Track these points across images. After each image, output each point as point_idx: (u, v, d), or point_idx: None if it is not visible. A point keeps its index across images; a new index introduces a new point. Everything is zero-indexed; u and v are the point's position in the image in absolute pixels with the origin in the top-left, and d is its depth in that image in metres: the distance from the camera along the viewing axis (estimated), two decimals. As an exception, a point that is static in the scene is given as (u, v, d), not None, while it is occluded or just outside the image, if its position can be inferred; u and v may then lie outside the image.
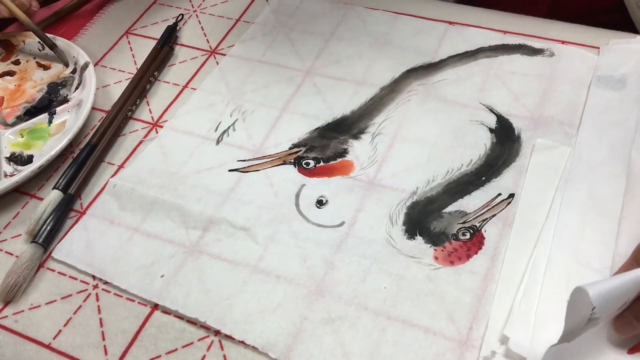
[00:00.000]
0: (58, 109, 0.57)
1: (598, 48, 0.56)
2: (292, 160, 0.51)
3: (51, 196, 0.50)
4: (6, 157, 0.54)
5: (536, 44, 0.57)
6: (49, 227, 0.48)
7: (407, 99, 0.55)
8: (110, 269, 0.46)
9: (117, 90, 0.60)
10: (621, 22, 0.58)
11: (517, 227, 0.45)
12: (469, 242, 0.44)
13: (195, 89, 0.59)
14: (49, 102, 0.59)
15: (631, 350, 0.38)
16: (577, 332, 0.35)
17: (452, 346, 0.40)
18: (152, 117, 0.57)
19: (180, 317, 0.43)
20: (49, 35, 0.63)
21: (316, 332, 0.41)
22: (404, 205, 0.47)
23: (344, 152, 0.51)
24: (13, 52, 0.64)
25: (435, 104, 0.54)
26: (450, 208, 0.47)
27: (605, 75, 0.53)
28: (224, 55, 0.62)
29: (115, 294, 0.45)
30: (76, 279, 0.46)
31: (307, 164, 0.51)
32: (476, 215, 0.46)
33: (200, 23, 0.66)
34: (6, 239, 0.49)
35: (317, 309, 0.42)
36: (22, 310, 0.45)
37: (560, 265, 0.42)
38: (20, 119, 0.58)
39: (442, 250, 0.44)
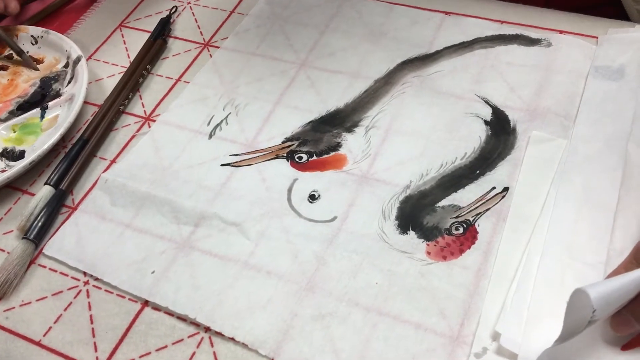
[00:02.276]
0: (50, 104, 0.57)
1: (596, 38, 0.55)
2: (285, 155, 0.51)
3: (43, 192, 0.50)
4: (-2, 153, 0.54)
5: (533, 34, 0.56)
6: (40, 223, 0.48)
7: (402, 91, 0.54)
8: (101, 265, 0.46)
9: (110, 84, 0.59)
10: (616, 16, 0.57)
11: (511, 221, 0.44)
12: (462, 236, 0.44)
13: (188, 83, 0.58)
14: (42, 96, 0.59)
15: (625, 347, 0.38)
16: (575, 333, 0.34)
17: (443, 342, 0.39)
18: (144, 111, 0.57)
19: (171, 313, 0.43)
20: (41, 28, 0.63)
21: (306, 329, 0.41)
22: (397, 199, 0.47)
23: (337, 146, 0.51)
24: (6, 46, 0.64)
25: (430, 96, 0.53)
26: (444, 202, 0.46)
27: (603, 66, 0.52)
28: (218, 47, 0.61)
29: (106, 290, 0.45)
30: (67, 275, 0.46)
31: (300, 158, 0.50)
32: (470, 209, 0.45)
33: (194, 15, 0.66)
34: (-2, 235, 0.49)
35: (307, 305, 0.42)
36: (13, 307, 0.45)
37: (553, 259, 0.41)
38: (12, 114, 0.57)
39: (435, 245, 0.44)
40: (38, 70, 0.61)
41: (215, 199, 0.48)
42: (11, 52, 0.63)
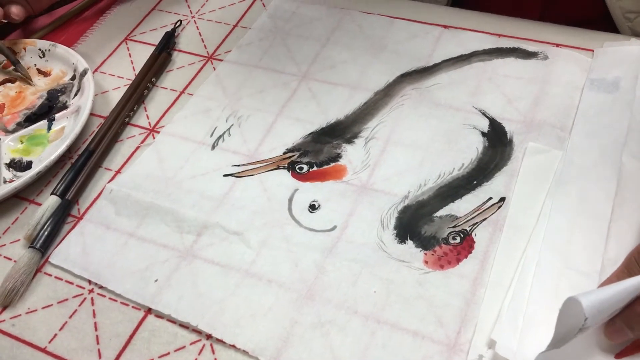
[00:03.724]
0: (57, 116, 0.58)
1: (592, 51, 0.56)
2: (286, 165, 0.52)
3: (49, 202, 0.51)
4: (6, 164, 0.55)
5: (530, 47, 0.57)
6: (46, 232, 0.49)
7: (401, 104, 0.55)
8: (105, 273, 0.47)
9: (115, 96, 0.61)
10: (608, 32, 0.58)
11: (507, 231, 0.45)
12: (459, 246, 0.45)
13: (192, 95, 0.59)
14: (49, 108, 0.60)
15: (619, 355, 0.38)
16: (566, 340, 0.35)
17: (440, 350, 0.40)
18: (149, 123, 0.58)
19: (173, 321, 0.44)
20: (48, 42, 0.64)
21: (306, 336, 0.41)
22: (395, 209, 0.48)
23: (337, 157, 0.52)
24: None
25: (429, 108, 0.54)
26: (441, 212, 0.47)
27: (598, 78, 0.53)
28: (221, 60, 0.62)
29: (110, 298, 0.46)
30: (72, 283, 0.47)
31: (301, 168, 0.51)
32: (467, 219, 0.46)
33: (198, 29, 0.67)
34: (5, 244, 0.50)
35: (307, 313, 0.43)
36: (19, 315, 0.46)
37: (549, 269, 0.42)
38: (20, 126, 0.59)
39: (432, 254, 0.45)
40: (31, 82, 0.62)
41: (217, 209, 0.49)
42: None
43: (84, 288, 0.46)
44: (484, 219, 0.46)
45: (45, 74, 0.63)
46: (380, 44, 0.61)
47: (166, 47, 0.64)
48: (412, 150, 0.51)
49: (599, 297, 0.33)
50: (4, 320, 0.45)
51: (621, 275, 0.37)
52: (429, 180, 0.49)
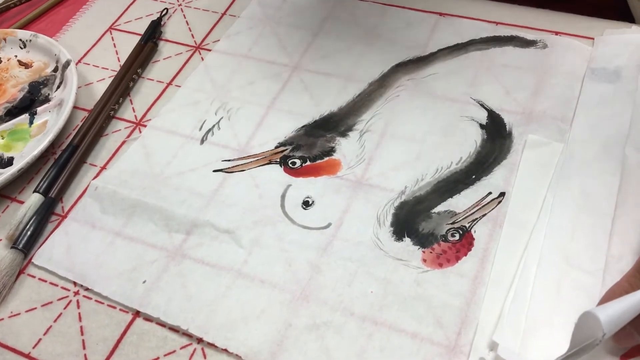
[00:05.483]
0: (39, 109, 0.56)
1: (592, 39, 0.54)
2: (278, 160, 0.50)
3: (32, 200, 0.49)
4: (-14, 160, 0.53)
5: (529, 35, 0.56)
6: (29, 232, 0.47)
7: (396, 95, 0.53)
8: (91, 274, 0.45)
9: (100, 89, 0.58)
10: (614, 5, 0.56)
11: (508, 228, 0.43)
12: (458, 243, 0.43)
13: (179, 86, 0.57)
14: (31, 101, 0.58)
15: (624, 357, 0.37)
16: (581, 354, 0.34)
17: (440, 352, 0.39)
18: (135, 116, 0.56)
19: (162, 324, 0.42)
20: (29, 32, 0.62)
21: (301, 339, 0.40)
22: (392, 205, 0.46)
23: (331, 151, 0.50)
24: (-6, 51, 0.63)
25: (425, 99, 0.52)
26: (439, 208, 0.45)
27: (599, 68, 0.51)
28: (209, 50, 0.60)
29: (96, 300, 0.44)
30: (57, 285, 0.45)
31: (294, 163, 0.50)
32: (466, 215, 0.45)
33: (185, 17, 0.65)
34: (-14, 245, 0.48)
35: (301, 315, 0.41)
36: (2, 319, 0.44)
37: (551, 267, 0.41)
38: (1, 120, 0.56)
39: (431, 252, 0.43)
40: None
41: (207, 206, 0.48)
42: (-1, 56, 0.62)
43: (69, 290, 0.45)
44: (483, 215, 0.44)
45: (26, 65, 0.61)
46: (374, 33, 0.59)
47: (152, 36, 0.62)
48: (409, 143, 0.50)
49: (617, 310, 0.32)
50: (-14, 325, 0.44)
51: (632, 280, 0.36)
52: (426, 175, 0.47)
